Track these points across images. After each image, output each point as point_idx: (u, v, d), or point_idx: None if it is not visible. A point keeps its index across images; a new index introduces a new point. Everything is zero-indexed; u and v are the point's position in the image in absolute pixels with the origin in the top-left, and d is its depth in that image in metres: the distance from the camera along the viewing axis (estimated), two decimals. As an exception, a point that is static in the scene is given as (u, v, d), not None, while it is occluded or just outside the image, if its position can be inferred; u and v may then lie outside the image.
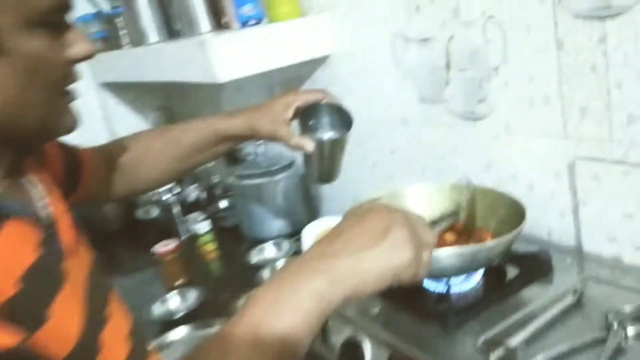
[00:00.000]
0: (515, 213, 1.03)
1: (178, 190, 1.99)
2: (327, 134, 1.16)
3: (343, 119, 1.13)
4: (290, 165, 1.70)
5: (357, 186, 1.55)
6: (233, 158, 1.88)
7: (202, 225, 1.62)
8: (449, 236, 1.08)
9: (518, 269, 1.03)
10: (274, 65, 1.41)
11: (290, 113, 1.09)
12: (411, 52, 1.25)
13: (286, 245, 1.61)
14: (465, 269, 0.96)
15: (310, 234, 1.47)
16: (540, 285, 0.99)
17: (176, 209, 1.87)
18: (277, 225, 1.67)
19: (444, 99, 1.23)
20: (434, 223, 0.84)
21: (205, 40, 1.31)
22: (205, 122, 1.14)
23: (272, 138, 1.11)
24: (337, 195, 1.70)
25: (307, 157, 1.11)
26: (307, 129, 1.12)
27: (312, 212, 1.75)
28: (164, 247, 1.54)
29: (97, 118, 2.26)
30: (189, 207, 1.96)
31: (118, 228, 2.06)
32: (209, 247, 1.63)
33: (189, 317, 1.33)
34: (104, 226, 2.05)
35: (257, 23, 1.45)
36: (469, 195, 1.13)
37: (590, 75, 0.95)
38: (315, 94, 1.12)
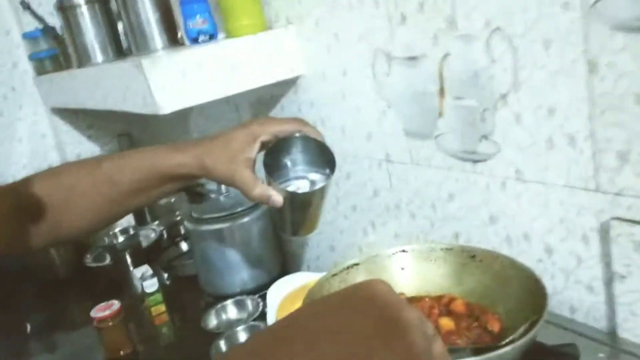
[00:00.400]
0: (531, 291, 0.77)
1: (131, 232, 1.73)
2: (302, 182, 0.90)
3: (322, 159, 0.87)
4: (257, 206, 1.44)
5: (334, 234, 1.30)
6: (196, 194, 1.62)
7: (149, 284, 1.35)
8: (445, 322, 0.82)
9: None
10: (230, 91, 1.16)
11: (254, 150, 0.85)
12: (395, 73, 1.00)
13: (250, 304, 1.34)
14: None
15: (277, 294, 1.20)
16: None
17: (128, 257, 1.61)
18: (239, 279, 1.40)
19: (435, 134, 0.97)
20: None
21: (141, 63, 1.05)
22: (144, 157, 0.90)
23: (228, 183, 0.87)
24: (311, 245, 1.43)
25: (275, 208, 0.86)
26: (275, 171, 0.87)
27: (283, 264, 1.48)
28: (103, 311, 1.27)
29: (49, 146, 2.01)
30: (146, 251, 1.69)
31: (66, 275, 1.79)
32: (158, 309, 1.36)
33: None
34: (52, 273, 1.79)
35: (211, 39, 1.20)
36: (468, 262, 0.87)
37: (633, 107, 0.70)
38: (289, 124, 0.88)
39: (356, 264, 0.91)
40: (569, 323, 0.85)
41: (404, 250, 0.92)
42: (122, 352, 1.28)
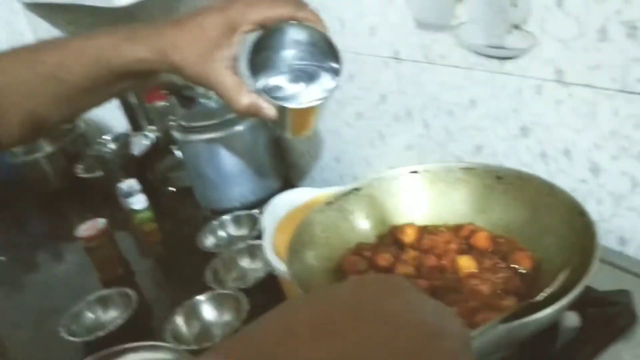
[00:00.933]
0: (572, 224, 0.62)
1: (122, 140, 1.58)
2: (297, 88, 0.71)
3: (323, 54, 0.67)
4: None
5: (338, 144, 1.13)
6: (184, 97, 1.45)
7: (136, 200, 1.21)
8: (465, 261, 0.66)
9: (580, 320, 0.62)
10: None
11: (234, 45, 0.64)
12: (403, -52, 0.79)
13: (247, 220, 1.22)
14: (498, 350, 0.56)
15: (275, 213, 1.06)
16: (619, 349, 0.58)
17: (117, 168, 1.47)
18: (237, 193, 1.27)
19: (453, 24, 0.77)
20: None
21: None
22: (94, 49, 0.69)
23: (203, 83, 0.67)
24: (314, 155, 1.27)
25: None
26: (261, 70, 0.67)
27: (285, 176, 1.34)
28: (88, 230, 1.16)
29: (29, 46, 1.82)
30: (139, 160, 1.55)
31: (61, 186, 1.67)
32: (149, 227, 1.24)
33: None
34: (47, 184, 1.68)
35: None
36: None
37: None
38: (278, 8, 0.65)
39: (356, 190, 0.76)
40: (617, 257, 0.70)
41: (414, 171, 0.76)
42: (115, 273, 1.18)
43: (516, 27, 0.70)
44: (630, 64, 0.61)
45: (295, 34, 0.67)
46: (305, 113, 0.68)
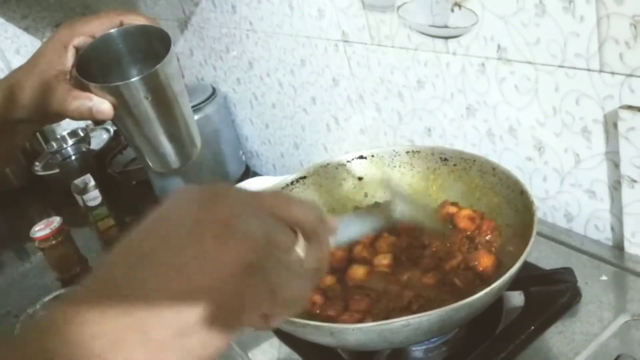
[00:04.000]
0: (515, 203, 0.61)
1: (81, 135, 1.55)
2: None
3: (158, 46, 0.65)
4: (212, 96, 1.25)
5: (296, 130, 1.12)
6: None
7: (91, 196, 1.19)
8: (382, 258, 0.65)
9: (523, 299, 0.61)
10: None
11: (67, 60, 0.62)
12: None
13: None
14: (434, 334, 0.55)
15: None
16: (561, 328, 0.58)
17: (75, 164, 1.43)
18: (197, 182, 1.24)
19: (398, 4, 0.76)
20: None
21: None
22: None
23: (45, 112, 0.63)
24: (274, 142, 1.25)
25: (120, 127, 0.67)
26: (97, 80, 0.64)
27: (245, 165, 1.32)
28: (43, 230, 1.13)
29: (-17, 42, 1.78)
30: (98, 155, 1.52)
31: (17, 185, 1.63)
32: (105, 224, 1.21)
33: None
34: (3, 184, 1.64)
35: None
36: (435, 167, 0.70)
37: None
38: (105, 18, 0.64)
39: (302, 178, 0.74)
40: (564, 234, 0.70)
41: (361, 157, 0.75)
42: (72, 271, 1.15)
43: (458, 5, 0.69)
44: (568, 39, 0.60)
45: (121, 34, 0.65)
46: (157, 93, 0.64)
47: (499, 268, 0.60)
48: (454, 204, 0.69)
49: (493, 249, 0.63)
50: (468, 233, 0.65)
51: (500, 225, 0.65)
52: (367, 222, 0.51)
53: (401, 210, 0.55)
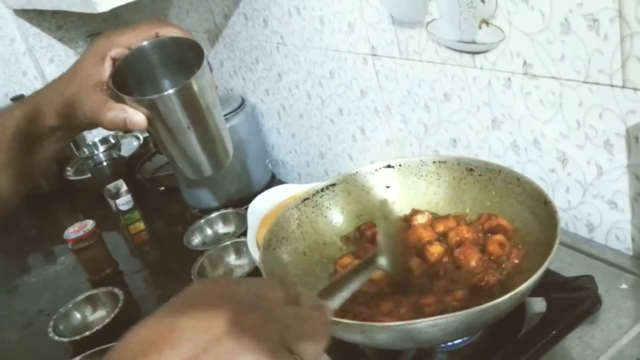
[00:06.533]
0: (538, 213, 0.64)
1: (112, 142, 1.60)
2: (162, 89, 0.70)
3: (192, 58, 0.67)
4: (241, 106, 1.29)
5: (322, 139, 1.15)
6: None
7: (123, 201, 1.23)
8: (435, 248, 0.68)
9: (545, 305, 0.64)
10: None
11: (104, 71, 0.65)
12: (375, -53, 0.80)
13: (234, 218, 1.23)
14: (459, 335, 0.57)
15: (258, 210, 1.08)
16: (581, 333, 0.60)
17: (106, 170, 1.48)
18: (223, 191, 1.28)
19: (427, 21, 0.79)
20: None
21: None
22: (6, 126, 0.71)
23: (85, 121, 0.67)
24: (299, 152, 1.29)
25: (154, 137, 0.69)
26: (133, 90, 0.68)
27: (271, 173, 1.36)
28: (76, 232, 1.17)
29: (19, 52, 1.84)
30: (128, 161, 1.57)
31: (49, 190, 1.69)
32: (136, 227, 1.25)
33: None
34: (35, 188, 1.68)
35: None
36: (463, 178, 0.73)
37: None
38: (141, 29, 0.68)
39: (332, 185, 0.77)
40: (585, 244, 0.72)
41: (389, 166, 0.78)
42: (103, 273, 1.20)
43: (485, 22, 0.72)
44: (592, 56, 0.62)
45: (156, 47, 0.68)
46: (191, 105, 0.66)
47: (522, 274, 0.62)
48: (491, 215, 0.70)
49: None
50: (493, 257, 0.66)
51: (524, 236, 0.67)
52: (356, 282, 0.52)
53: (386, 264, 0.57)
